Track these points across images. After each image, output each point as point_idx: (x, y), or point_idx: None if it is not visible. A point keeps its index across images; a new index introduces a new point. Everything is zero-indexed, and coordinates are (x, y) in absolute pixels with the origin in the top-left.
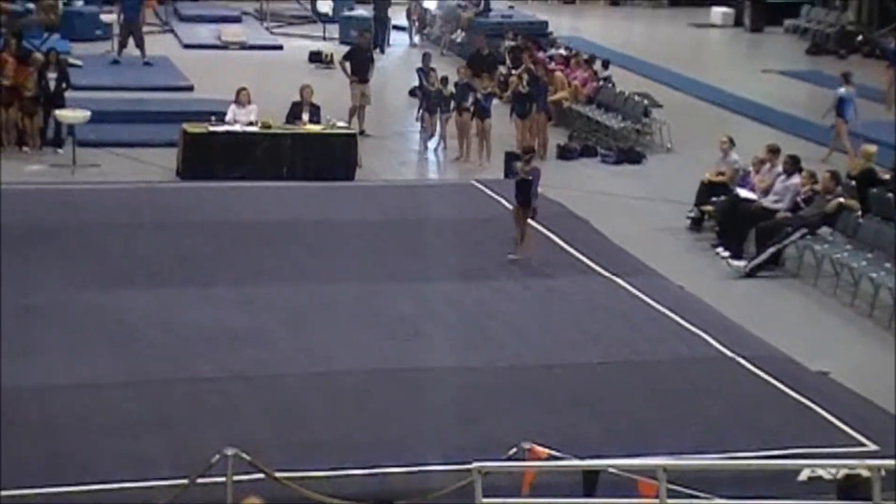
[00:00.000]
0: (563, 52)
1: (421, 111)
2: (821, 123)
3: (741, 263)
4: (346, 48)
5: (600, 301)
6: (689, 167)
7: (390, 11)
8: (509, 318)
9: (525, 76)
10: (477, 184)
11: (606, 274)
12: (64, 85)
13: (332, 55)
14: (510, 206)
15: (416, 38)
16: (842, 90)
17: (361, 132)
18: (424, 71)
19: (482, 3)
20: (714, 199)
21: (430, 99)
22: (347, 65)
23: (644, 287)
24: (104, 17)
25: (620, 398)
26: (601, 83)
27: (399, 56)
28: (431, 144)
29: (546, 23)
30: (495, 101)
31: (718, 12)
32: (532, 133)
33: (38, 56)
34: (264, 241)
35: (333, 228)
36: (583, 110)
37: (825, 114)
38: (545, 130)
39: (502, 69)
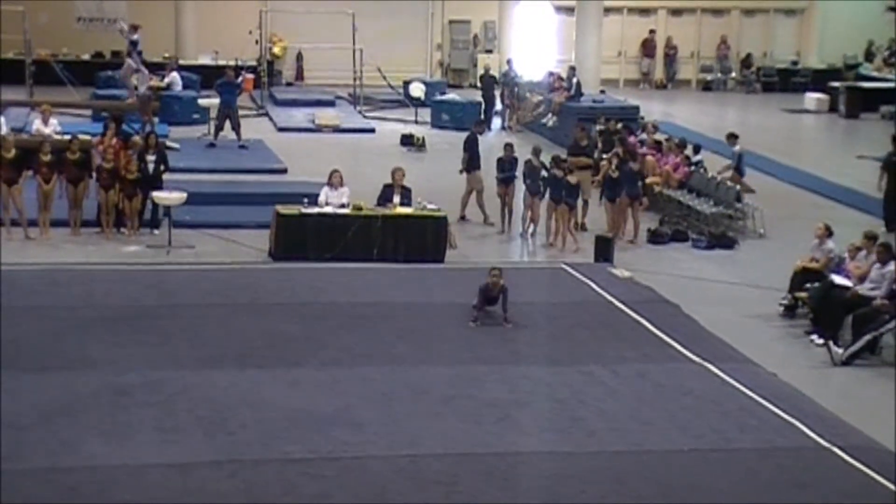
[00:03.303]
0: (655, 136)
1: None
2: None
3: (839, 350)
4: (437, 132)
5: (691, 387)
6: (781, 253)
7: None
8: (599, 403)
9: (615, 160)
10: (567, 267)
11: (698, 360)
12: (162, 167)
13: (423, 138)
14: (599, 290)
15: (508, 123)
16: None
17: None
18: (535, 155)
19: (574, 88)
20: (808, 285)
21: (535, 183)
22: (464, 157)
23: (736, 374)
24: (201, 102)
25: (711, 488)
26: (693, 168)
27: (490, 140)
28: (530, 230)
29: (637, 107)
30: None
31: (813, 98)
32: (623, 217)
33: (138, 139)
34: (354, 323)
35: (423, 311)
36: (674, 195)
37: None
38: (636, 214)
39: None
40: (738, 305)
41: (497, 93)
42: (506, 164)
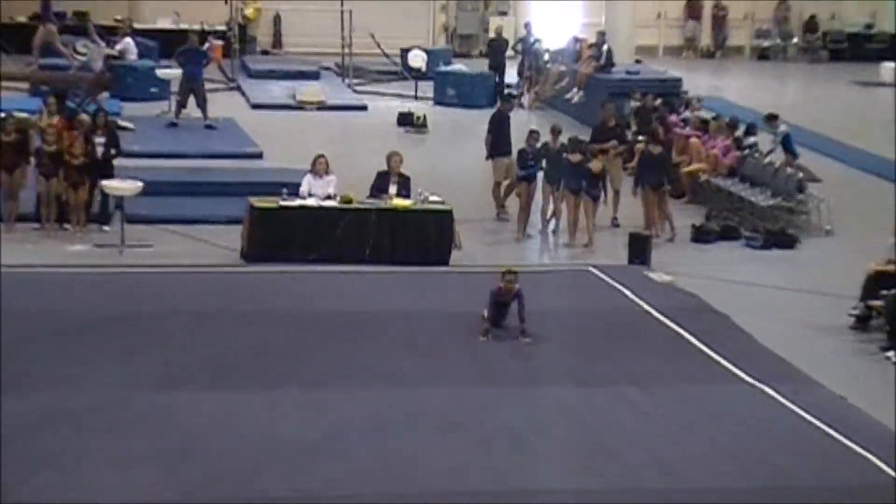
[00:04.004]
0: (700, 115)
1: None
2: None
3: None
4: (441, 110)
5: (742, 413)
6: (852, 254)
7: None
8: (633, 431)
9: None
10: (595, 270)
11: (750, 380)
12: (113, 151)
13: (424, 117)
14: (633, 297)
15: (526, 98)
16: None
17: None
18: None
19: (604, 57)
20: (884, 292)
21: (555, 171)
22: (488, 138)
23: (796, 397)
24: (160, 73)
25: None
26: (745, 152)
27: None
28: (551, 226)
29: (680, 80)
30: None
31: (889, 68)
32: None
33: (85, 118)
34: (343, 336)
35: (424, 321)
36: (723, 184)
37: None
38: (665, 205)
39: (626, 135)
40: (799, 315)
41: (511, 62)
42: (529, 157)
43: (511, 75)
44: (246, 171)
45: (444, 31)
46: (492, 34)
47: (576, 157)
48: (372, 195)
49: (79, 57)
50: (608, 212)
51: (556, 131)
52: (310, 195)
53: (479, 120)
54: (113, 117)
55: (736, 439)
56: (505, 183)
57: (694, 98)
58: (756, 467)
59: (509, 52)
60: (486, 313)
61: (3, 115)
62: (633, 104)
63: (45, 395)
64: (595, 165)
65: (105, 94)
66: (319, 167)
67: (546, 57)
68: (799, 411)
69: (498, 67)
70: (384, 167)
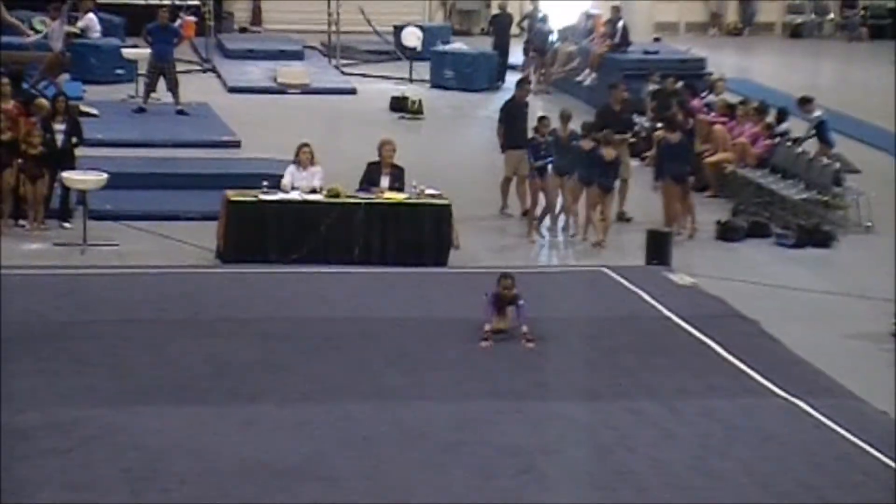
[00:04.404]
0: (726, 98)
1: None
2: None
3: None
4: (439, 93)
5: (774, 430)
6: (894, 253)
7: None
8: (653, 450)
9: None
10: (610, 272)
11: (783, 394)
12: (74, 140)
13: (420, 102)
14: (652, 301)
15: (534, 80)
16: None
17: (524, 212)
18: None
19: (619, 35)
20: None
21: (565, 160)
22: (502, 129)
23: (834, 413)
24: (127, 53)
25: None
26: (776, 140)
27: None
28: (561, 222)
29: (703, 60)
30: (634, 164)
31: None
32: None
33: (43, 103)
34: (329, 345)
35: (420, 329)
36: (752, 176)
37: None
38: (689, 199)
39: (643, 121)
40: (836, 322)
41: (517, 41)
42: (541, 146)
43: (516, 55)
44: (222, 161)
45: (441, 6)
46: (495, 9)
47: (587, 144)
48: (362, 188)
49: (31, 33)
50: (615, 205)
51: (565, 117)
52: (293, 188)
53: (480, 104)
54: (74, 102)
55: (766, 459)
56: (515, 177)
57: (719, 79)
58: (789, 489)
59: (514, 30)
60: (486, 325)
61: None
62: (652, 87)
63: None
64: (608, 153)
65: (65, 76)
66: (303, 157)
67: (553, 36)
68: (836, 428)
69: (502, 46)
70: (375, 157)
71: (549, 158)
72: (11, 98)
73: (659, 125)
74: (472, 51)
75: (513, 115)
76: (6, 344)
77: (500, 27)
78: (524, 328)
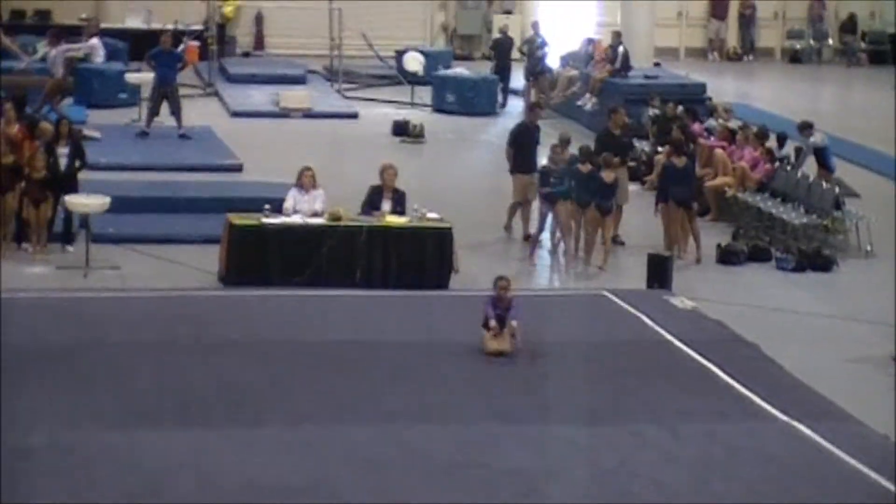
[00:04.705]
0: (727, 123)
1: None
2: None
3: None
4: (440, 118)
5: (775, 453)
6: (894, 277)
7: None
8: (654, 473)
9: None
10: (610, 295)
11: (784, 418)
12: (77, 164)
13: (421, 126)
14: (653, 325)
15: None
16: None
17: (526, 237)
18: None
19: (619, 60)
20: None
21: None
22: (511, 152)
23: (834, 436)
24: (130, 77)
25: None
26: (776, 165)
27: (508, 127)
28: (561, 246)
29: (704, 85)
30: (634, 188)
31: None
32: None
33: (47, 126)
34: (331, 367)
35: (421, 352)
36: (752, 200)
37: None
38: (693, 223)
39: (644, 146)
40: (837, 346)
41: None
42: (554, 173)
43: (517, 79)
44: (224, 185)
45: (443, 31)
46: (496, 33)
47: (586, 168)
48: (363, 212)
49: (27, 58)
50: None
51: (564, 141)
52: (295, 212)
53: (482, 129)
54: (78, 126)
55: (767, 482)
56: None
57: (721, 106)
58: None
59: (515, 54)
60: (484, 322)
61: None
62: (652, 111)
63: None
64: (608, 175)
65: (67, 101)
66: (306, 181)
67: (547, 60)
68: (838, 452)
69: (503, 70)
70: (377, 181)
71: (563, 186)
72: (16, 122)
73: (659, 150)
74: (473, 75)
75: (523, 138)
76: (9, 366)
77: (501, 51)
78: (514, 323)
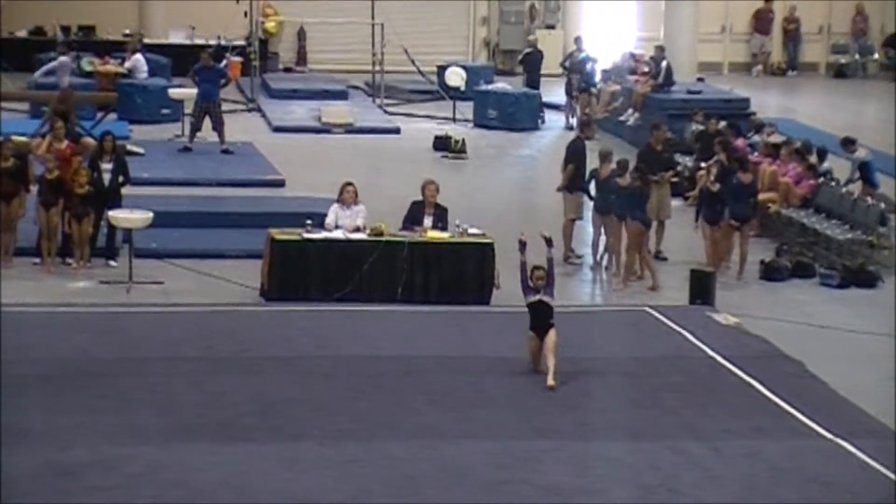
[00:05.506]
0: (771, 139)
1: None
2: None
3: None
4: (482, 133)
5: (818, 471)
6: None
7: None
8: (696, 492)
9: (714, 169)
10: (653, 311)
11: (828, 435)
12: (121, 179)
13: (463, 141)
14: (695, 341)
15: (575, 121)
16: None
17: (579, 256)
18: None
19: (662, 75)
20: None
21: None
22: (570, 169)
23: (878, 454)
24: (173, 93)
25: None
26: (821, 180)
27: (550, 142)
28: (604, 261)
29: (747, 100)
30: (677, 203)
31: None
32: (728, 244)
33: (90, 142)
34: (371, 384)
35: (462, 368)
36: (796, 216)
37: None
38: (745, 241)
39: (687, 161)
40: (881, 363)
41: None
42: (605, 185)
43: (553, 94)
44: (266, 200)
45: (485, 46)
46: (527, 47)
47: (625, 181)
48: (405, 227)
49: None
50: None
51: (604, 156)
52: (336, 227)
53: (523, 144)
54: (121, 141)
55: (811, 500)
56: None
57: (767, 123)
58: None
59: (550, 69)
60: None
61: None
62: (695, 126)
63: (41, 448)
64: (623, 181)
65: (111, 116)
66: (347, 196)
67: (597, 76)
68: (881, 469)
69: (532, 84)
70: (418, 196)
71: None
72: (60, 137)
73: (702, 165)
74: (515, 90)
75: (575, 155)
76: (52, 381)
77: (531, 65)
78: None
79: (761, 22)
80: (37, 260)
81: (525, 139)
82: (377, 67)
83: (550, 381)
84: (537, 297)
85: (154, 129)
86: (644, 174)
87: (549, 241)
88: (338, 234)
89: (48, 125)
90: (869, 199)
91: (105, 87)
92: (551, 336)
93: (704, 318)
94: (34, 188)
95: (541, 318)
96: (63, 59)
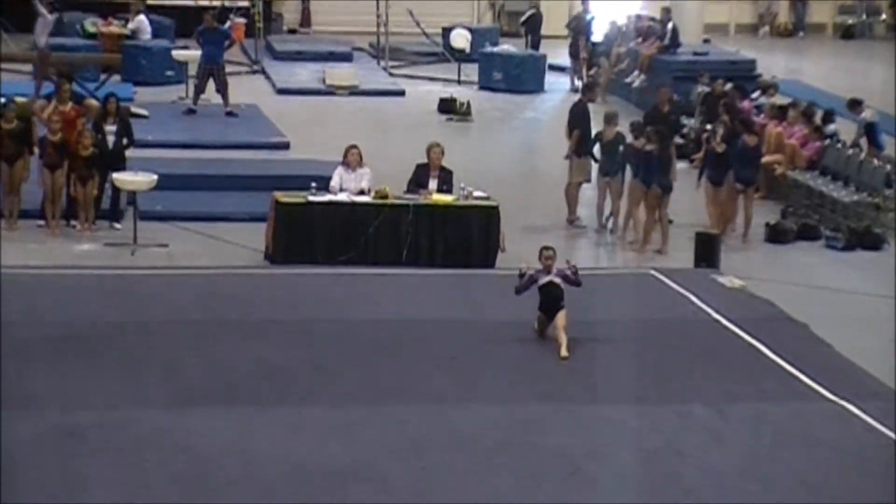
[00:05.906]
0: (777, 101)
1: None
2: None
3: None
4: (487, 95)
5: (825, 435)
6: None
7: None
8: (701, 455)
9: (720, 131)
10: (658, 274)
11: (833, 398)
12: (125, 141)
13: (468, 104)
14: (700, 304)
15: (580, 83)
16: None
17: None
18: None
19: (667, 37)
20: None
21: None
22: (576, 134)
23: (884, 416)
24: (176, 55)
25: None
26: (826, 142)
27: (555, 105)
28: (609, 224)
29: (753, 62)
30: (682, 166)
31: None
32: (733, 207)
33: (94, 104)
34: (377, 348)
35: (467, 331)
36: (802, 178)
37: None
38: (749, 204)
39: (692, 122)
40: (886, 325)
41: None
42: (610, 147)
43: (556, 56)
44: (271, 163)
45: (490, 7)
46: (529, 9)
47: (639, 144)
48: (410, 190)
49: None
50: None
51: (610, 119)
52: (341, 190)
53: (529, 107)
54: (125, 103)
55: (817, 464)
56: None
57: (770, 82)
58: (839, 495)
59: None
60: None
61: (2, 100)
62: (701, 88)
63: (45, 411)
64: (638, 143)
65: (115, 77)
66: (352, 159)
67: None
68: (886, 431)
69: (533, 46)
70: (423, 159)
71: (619, 162)
72: (65, 100)
73: (707, 127)
74: (520, 52)
75: (579, 119)
76: (56, 343)
77: (532, 27)
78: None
79: None
80: (41, 222)
81: (530, 101)
82: (382, 29)
83: (563, 353)
84: (548, 278)
85: (158, 91)
86: (664, 137)
87: (575, 273)
88: (342, 197)
89: (55, 87)
90: (875, 161)
91: (109, 48)
92: (560, 318)
93: (709, 280)
94: (37, 150)
95: (551, 299)
96: (46, 16)
